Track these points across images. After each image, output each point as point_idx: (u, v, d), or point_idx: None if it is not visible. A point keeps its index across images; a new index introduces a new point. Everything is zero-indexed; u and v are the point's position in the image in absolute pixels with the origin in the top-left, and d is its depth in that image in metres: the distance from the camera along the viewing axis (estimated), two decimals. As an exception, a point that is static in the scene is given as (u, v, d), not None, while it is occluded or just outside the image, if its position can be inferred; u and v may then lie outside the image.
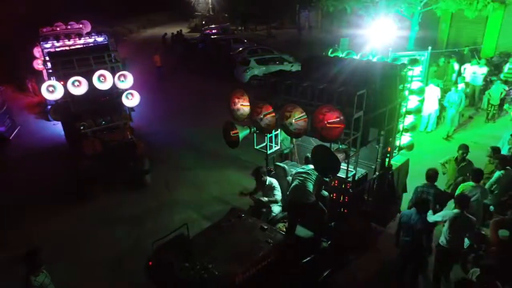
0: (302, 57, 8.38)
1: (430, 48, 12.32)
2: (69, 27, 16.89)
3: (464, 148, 7.01)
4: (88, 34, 11.78)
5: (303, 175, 5.70)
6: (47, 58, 10.07)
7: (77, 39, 11.14)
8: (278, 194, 6.40)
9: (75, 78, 8.94)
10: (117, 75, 9.50)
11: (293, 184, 5.75)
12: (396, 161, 6.81)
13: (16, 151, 11.87)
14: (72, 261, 7.13)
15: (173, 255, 4.74)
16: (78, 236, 7.85)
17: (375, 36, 13.48)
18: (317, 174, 5.63)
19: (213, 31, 33.50)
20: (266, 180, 6.38)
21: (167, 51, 30.61)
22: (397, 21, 14.19)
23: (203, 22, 44.46)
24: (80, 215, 8.56)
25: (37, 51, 13.82)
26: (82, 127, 8.50)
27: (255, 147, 6.59)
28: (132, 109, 10.13)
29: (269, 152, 6.60)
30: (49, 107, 13.66)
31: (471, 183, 6.18)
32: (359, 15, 16.45)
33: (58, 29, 16.53)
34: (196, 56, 25.72)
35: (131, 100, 9.72)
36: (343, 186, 5.90)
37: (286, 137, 6.79)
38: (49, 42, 10.82)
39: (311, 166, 5.73)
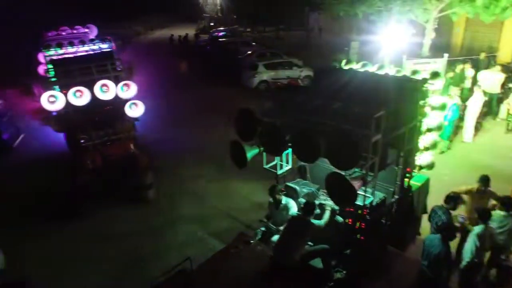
0: (314, 65, 7.96)
1: (446, 55, 11.89)
2: (74, 31, 16.72)
3: (484, 181, 6.42)
4: (92, 41, 11.50)
5: (296, 227, 5.27)
6: (50, 66, 9.81)
7: (81, 46, 10.87)
8: None
9: (77, 89, 8.65)
10: (120, 84, 9.21)
11: (279, 237, 5.41)
12: (416, 181, 6.43)
13: (18, 159, 11.58)
14: (67, 285, 6.80)
15: None
16: (73, 257, 7.43)
17: (388, 42, 13.00)
18: (312, 224, 5.24)
19: (221, 33, 33.20)
20: (281, 199, 6.00)
21: (174, 53, 30.52)
22: (410, 27, 13.66)
23: (211, 24, 44.26)
24: (77, 232, 8.12)
25: (42, 57, 13.60)
26: (82, 141, 8.19)
27: (264, 167, 6.15)
28: (136, 119, 9.82)
29: (279, 172, 6.19)
30: (54, 113, 13.46)
31: (501, 212, 5.70)
32: (370, 20, 15.91)
33: (63, 33, 16.35)
34: (203, 59, 25.42)
35: (135, 110, 9.42)
36: (360, 212, 5.44)
37: None
38: (51, 49, 10.56)
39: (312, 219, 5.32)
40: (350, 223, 5.62)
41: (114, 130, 8.91)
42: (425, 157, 6.31)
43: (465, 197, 6.38)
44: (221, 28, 34.90)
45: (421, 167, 6.34)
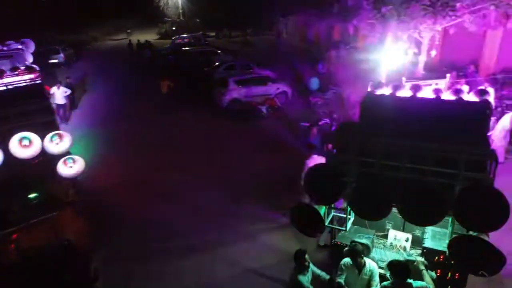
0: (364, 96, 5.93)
1: (448, 75, 10.22)
2: (5, 48, 13.73)
3: None
4: (15, 70, 8.79)
5: None
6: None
7: (-1, 78, 8.14)
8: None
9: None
10: (49, 135, 6.71)
11: None
12: None
13: None
14: None
15: None
16: None
17: (384, 59, 11.15)
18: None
19: (185, 40, 30.85)
20: (364, 263, 5.01)
21: (133, 63, 27.83)
22: (412, 44, 11.80)
23: (173, 28, 42.02)
24: None
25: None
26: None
27: (326, 225, 5.34)
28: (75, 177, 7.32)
29: (348, 227, 5.40)
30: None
31: None
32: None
33: (-10, 51, 13.39)
34: (167, 70, 22.85)
35: (72, 167, 6.95)
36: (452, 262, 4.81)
37: None
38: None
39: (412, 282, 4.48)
40: (439, 274, 5.06)
41: (40, 205, 6.34)
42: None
43: None
44: (184, 35, 32.49)
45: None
